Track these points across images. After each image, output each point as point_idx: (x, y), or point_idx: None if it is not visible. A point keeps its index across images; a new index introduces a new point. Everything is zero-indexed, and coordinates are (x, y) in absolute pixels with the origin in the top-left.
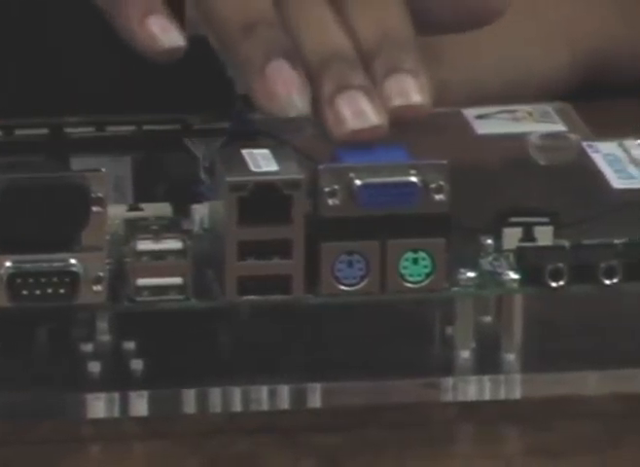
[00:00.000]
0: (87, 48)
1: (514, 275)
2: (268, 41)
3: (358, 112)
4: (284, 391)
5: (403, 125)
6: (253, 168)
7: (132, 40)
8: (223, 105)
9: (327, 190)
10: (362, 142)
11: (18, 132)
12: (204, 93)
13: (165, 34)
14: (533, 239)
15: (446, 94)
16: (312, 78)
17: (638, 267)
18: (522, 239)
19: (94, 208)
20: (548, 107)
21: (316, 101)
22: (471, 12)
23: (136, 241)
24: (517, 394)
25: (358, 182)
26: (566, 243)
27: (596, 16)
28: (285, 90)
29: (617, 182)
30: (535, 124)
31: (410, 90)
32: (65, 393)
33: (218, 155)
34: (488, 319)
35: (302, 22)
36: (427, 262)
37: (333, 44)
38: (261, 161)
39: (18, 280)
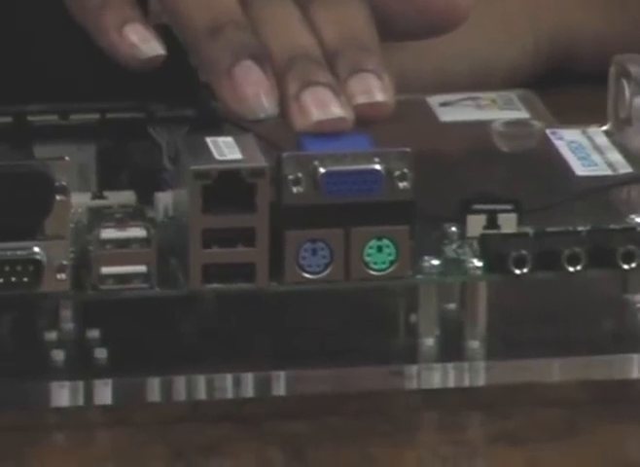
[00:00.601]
0: (50, 36)
1: (477, 263)
2: (236, 42)
3: (322, 104)
4: (249, 379)
5: (366, 124)
6: (217, 157)
7: (112, 50)
8: (186, 93)
9: (291, 178)
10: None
11: None
12: (168, 82)
13: (146, 43)
14: (497, 227)
15: (411, 82)
16: (278, 77)
17: (602, 253)
18: (486, 227)
19: (58, 196)
20: (511, 94)
21: (282, 100)
22: (435, 19)
23: (100, 229)
24: (481, 381)
25: (322, 170)
26: (530, 230)
27: (559, 4)
28: (253, 92)
29: (580, 169)
30: (499, 111)
31: (374, 89)
32: (29, 381)
33: (182, 143)
34: (452, 307)
35: (268, 22)
36: (391, 249)
37: (298, 44)
38: (225, 149)
39: None
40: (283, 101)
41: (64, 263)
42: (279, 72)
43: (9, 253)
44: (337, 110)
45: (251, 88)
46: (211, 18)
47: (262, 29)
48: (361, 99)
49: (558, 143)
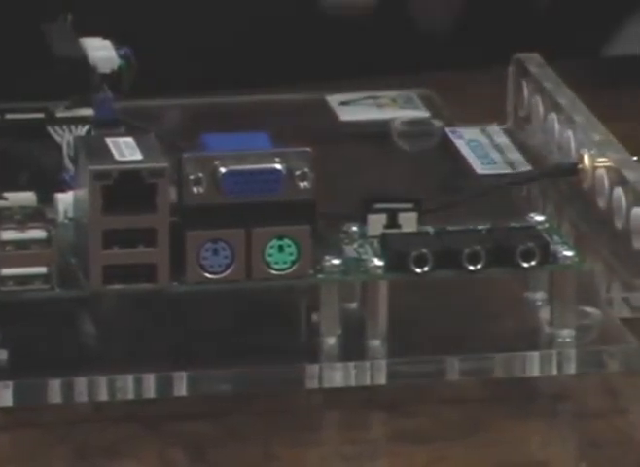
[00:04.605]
0: None
1: (378, 262)
2: None
3: None
4: (150, 380)
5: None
6: (117, 157)
7: None
8: (84, 92)
9: (191, 178)
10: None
11: None
12: (67, 82)
13: None
14: (398, 226)
15: None
16: None
17: (502, 252)
18: (387, 226)
19: None
20: (411, 93)
21: None
22: None
23: (0, 231)
24: (383, 380)
25: (222, 170)
26: (430, 229)
27: None
28: None
29: (480, 168)
30: (399, 110)
31: None
32: None
33: (82, 143)
34: (353, 306)
35: None
36: (292, 249)
37: None
38: (125, 149)
39: None
40: None
41: None
42: None
43: None
44: None
45: None
46: None
47: None
48: None
49: (458, 142)
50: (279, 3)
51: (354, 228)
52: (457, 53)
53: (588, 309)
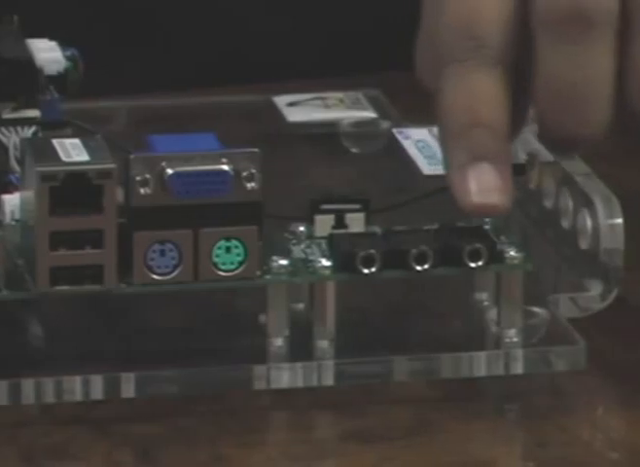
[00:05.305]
0: None
1: (326, 262)
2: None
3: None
4: (97, 381)
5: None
6: (64, 158)
7: (449, 183)
8: (31, 93)
9: (138, 179)
10: (174, 132)
11: None
12: (12, 82)
13: (484, 192)
14: (345, 226)
15: None
16: None
17: (449, 252)
18: (334, 226)
19: None
20: (359, 94)
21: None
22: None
23: None
24: (331, 381)
25: (170, 171)
26: (378, 230)
27: None
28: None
29: (427, 168)
30: (346, 110)
31: None
32: None
33: (28, 144)
34: (301, 306)
35: None
36: (240, 250)
37: None
38: (72, 150)
39: None
40: None
41: None
42: None
43: None
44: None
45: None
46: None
47: None
48: None
49: (406, 142)
50: (227, 4)
51: (301, 228)
52: (408, 53)
53: (535, 309)
